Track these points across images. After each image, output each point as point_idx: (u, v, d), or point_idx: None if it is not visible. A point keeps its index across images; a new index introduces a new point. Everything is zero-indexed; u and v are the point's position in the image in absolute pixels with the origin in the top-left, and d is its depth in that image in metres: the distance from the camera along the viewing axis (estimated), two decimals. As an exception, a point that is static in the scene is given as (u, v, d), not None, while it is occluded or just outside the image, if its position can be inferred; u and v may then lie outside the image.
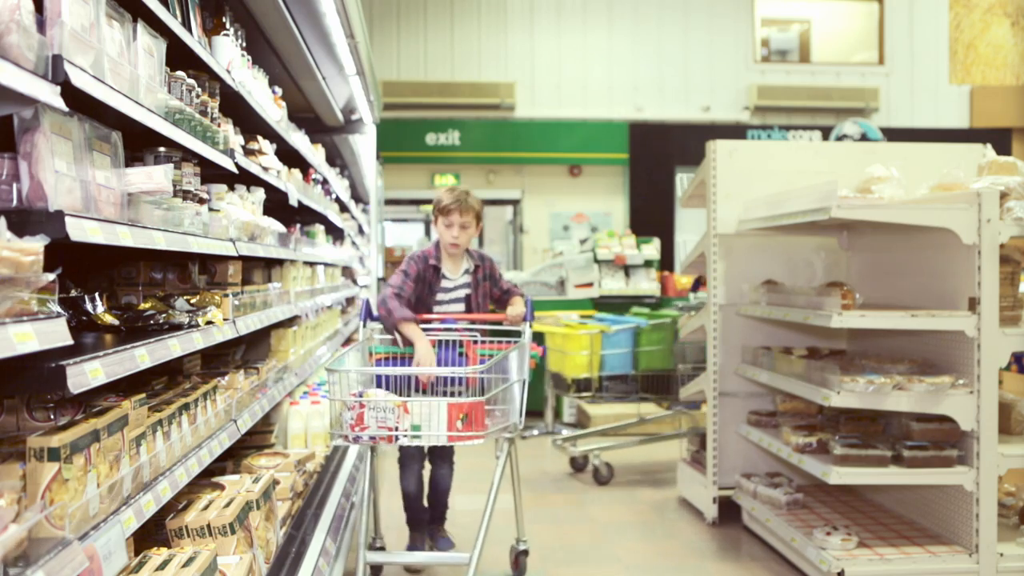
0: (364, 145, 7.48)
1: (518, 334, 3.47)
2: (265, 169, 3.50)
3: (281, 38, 4.06)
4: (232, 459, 3.25)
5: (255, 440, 3.55)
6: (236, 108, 3.17)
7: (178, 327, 2.24)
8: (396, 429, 2.93)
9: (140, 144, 2.29)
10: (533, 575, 3.78)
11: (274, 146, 3.87)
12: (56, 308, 1.46)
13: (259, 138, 3.57)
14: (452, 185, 3.55)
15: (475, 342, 3.44)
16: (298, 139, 4.43)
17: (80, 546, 1.47)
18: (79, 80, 1.61)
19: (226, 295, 2.59)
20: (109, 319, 2.16)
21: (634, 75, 11.81)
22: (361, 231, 8.43)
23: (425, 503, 3.86)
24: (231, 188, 3.15)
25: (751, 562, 3.94)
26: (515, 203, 12.17)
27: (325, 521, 3.14)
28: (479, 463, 4.81)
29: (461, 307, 3.66)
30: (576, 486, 5.38)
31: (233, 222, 2.80)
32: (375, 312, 3.52)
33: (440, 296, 3.63)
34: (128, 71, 1.95)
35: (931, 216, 3.34)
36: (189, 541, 2.19)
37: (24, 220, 1.53)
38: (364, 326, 3.49)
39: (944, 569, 3.34)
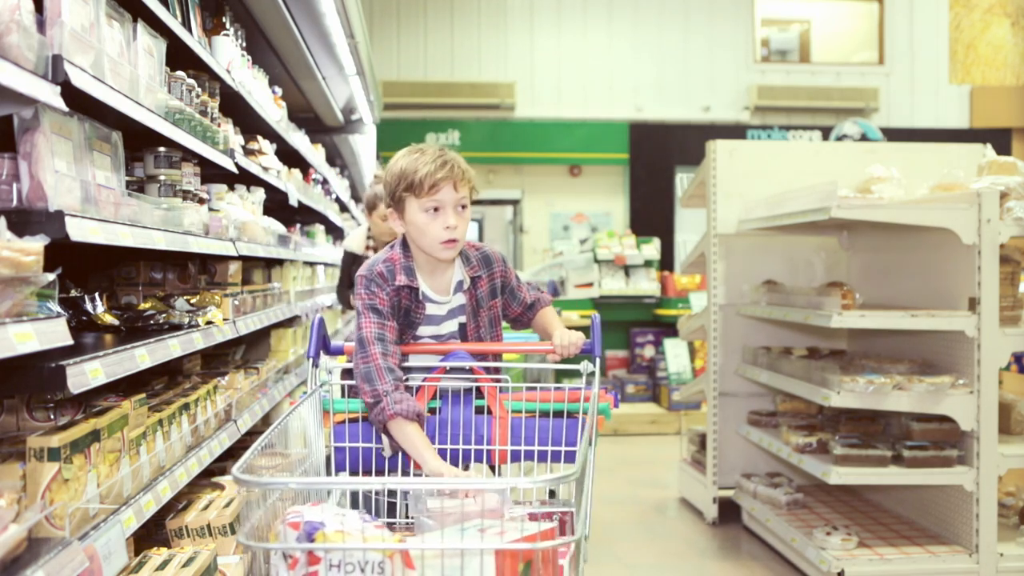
0: (364, 145, 7.49)
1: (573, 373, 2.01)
2: (265, 169, 3.50)
3: (281, 38, 4.06)
4: (232, 459, 3.24)
5: (255, 440, 3.54)
6: (236, 108, 3.17)
7: (178, 327, 2.24)
8: None
9: (140, 144, 2.29)
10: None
11: (274, 146, 3.87)
12: (56, 308, 1.46)
13: (259, 138, 3.57)
14: (415, 145, 2.08)
15: (503, 390, 1.98)
16: (298, 139, 4.43)
17: (80, 546, 1.47)
18: (79, 80, 1.61)
19: (226, 295, 2.59)
20: (109, 319, 2.16)
21: (634, 75, 11.81)
22: (361, 231, 8.43)
23: None
24: (231, 188, 3.15)
25: (751, 562, 3.93)
26: (515, 203, 12.17)
27: (325, 521, 3.14)
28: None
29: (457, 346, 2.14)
30: (576, 486, 5.38)
31: (233, 222, 2.80)
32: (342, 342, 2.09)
33: (423, 331, 2.10)
34: (128, 71, 1.95)
35: (931, 216, 3.34)
36: (189, 541, 2.19)
37: (24, 220, 1.53)
38: (315, 366, 1.99)
39: (944, 569, 3.34)
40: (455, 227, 1.99)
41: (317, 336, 2.00)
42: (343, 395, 2.02)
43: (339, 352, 2.06)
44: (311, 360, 1.96)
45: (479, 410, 1.97)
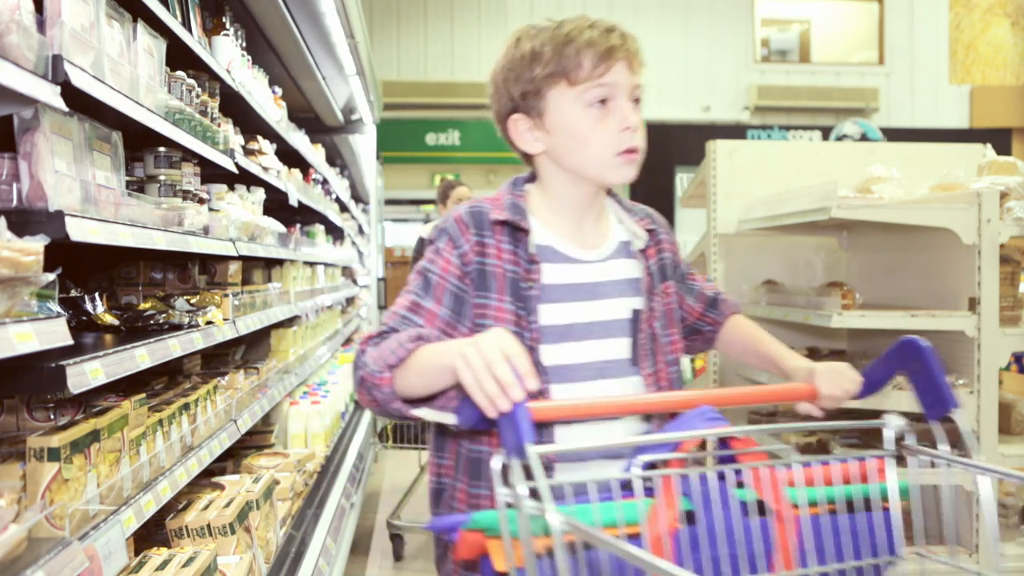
0: (364, 145, 7.48)
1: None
2: (265, 169, 3.50)
3: (281, 38, 4.06)
4: (232, 459, 3.25)
5: (255, 440, 3.55)
6: (236, 108, 3.17)
7: (178, 327, 2.24)
8: None
9: (140, 144, 2.29)
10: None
11: (274, 146, 3.87)
12: (56, 308, 1.46)
13: (259, 138, 3.57)
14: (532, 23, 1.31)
15: (790, 465, 1.15)
16: (298, 139, 4.43)
17: (80, 546, 1.47)
18: (79, 80, 1.61)
19: (226, 295, 2.59)
20: (109, 319, 2.16)
21: (634, 75, 11.83)
22: (361, 231, 8.44)
23: None
24: (231, 188, 3.15)
25: (751, 562, 3.93)
26: (515, 203, 12.17)
27: (325, 521, 3.14)
28: None
29: (622, 349, 1.35)
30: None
31: (233, 222, 2.80)
32: (371, 390, 1.21)
33: (552, 316, 1.31)
34: (128, 71, 1.95)
35: (931, 216, 3.34)
36: (189, 541, 2.19)
37: (24, 220, 1.53)
38: (521, 457, 0.94)
39: (944, 569, 3.34)
40: (636, 128, 1.27)
41: (522, 426, 0.98)
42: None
43: (481, 423, 1.13)
44: (523, 449, 0.95)
45: (765, 512, 1.12)
